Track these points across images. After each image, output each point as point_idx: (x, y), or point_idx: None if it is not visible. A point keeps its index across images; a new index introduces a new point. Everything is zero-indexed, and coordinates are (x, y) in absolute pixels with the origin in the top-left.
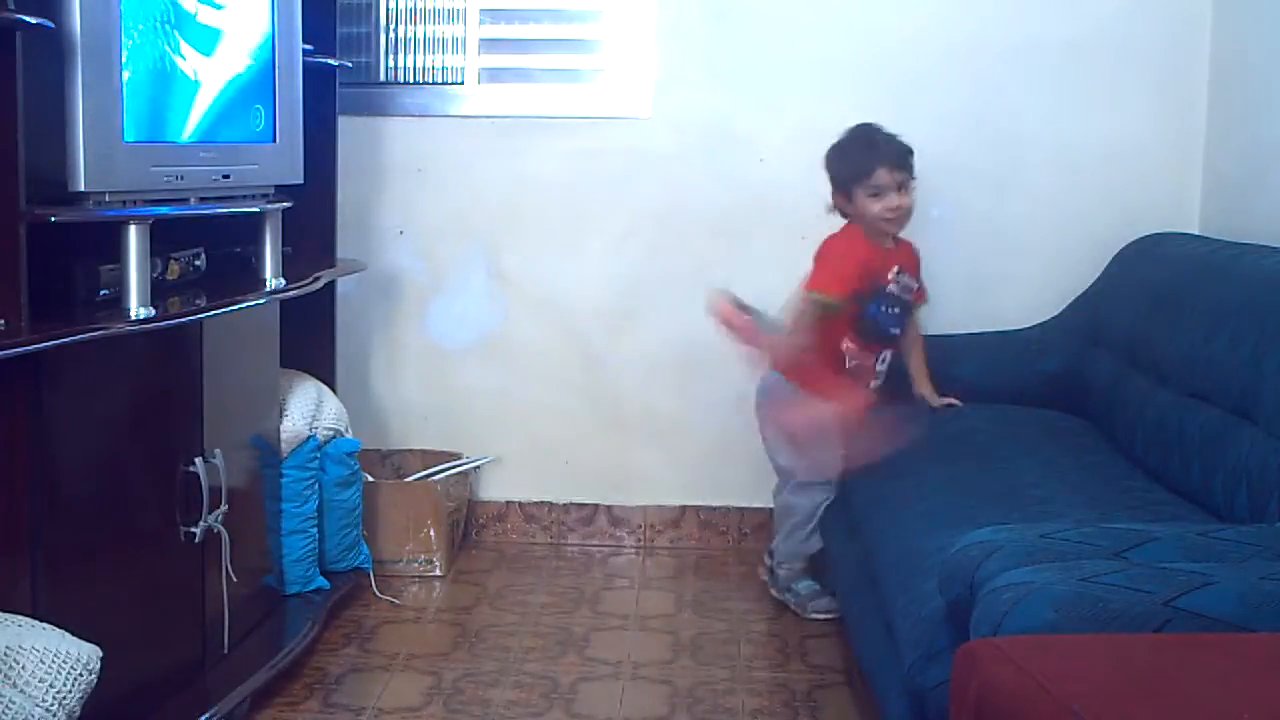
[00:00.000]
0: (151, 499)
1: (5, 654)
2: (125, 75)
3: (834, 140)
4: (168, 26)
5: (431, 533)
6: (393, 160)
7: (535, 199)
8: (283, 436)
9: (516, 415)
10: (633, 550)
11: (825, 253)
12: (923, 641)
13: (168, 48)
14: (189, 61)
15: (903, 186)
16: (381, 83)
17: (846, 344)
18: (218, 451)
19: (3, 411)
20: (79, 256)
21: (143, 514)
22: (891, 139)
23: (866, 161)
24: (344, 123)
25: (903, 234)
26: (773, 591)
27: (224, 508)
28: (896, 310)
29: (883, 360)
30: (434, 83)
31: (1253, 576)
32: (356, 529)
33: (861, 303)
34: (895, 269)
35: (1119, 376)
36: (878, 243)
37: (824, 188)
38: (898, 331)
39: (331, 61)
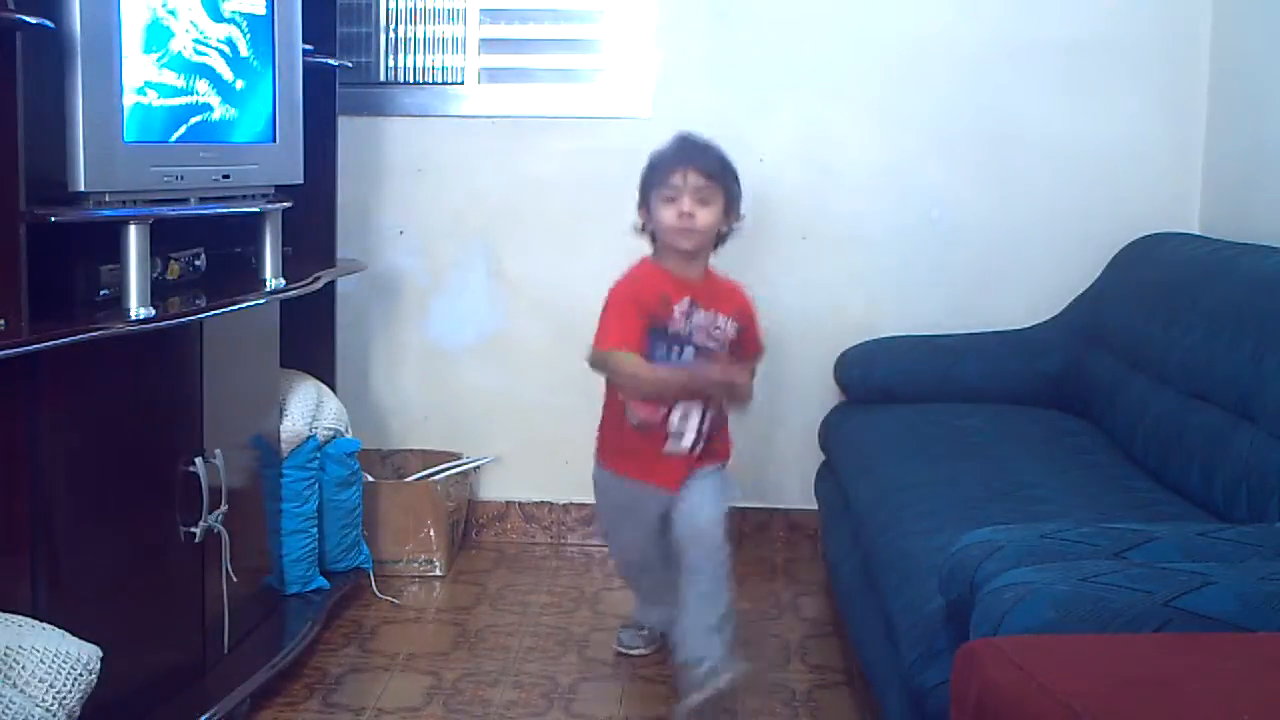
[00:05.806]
0: (151, 499)
1: (5, 654)
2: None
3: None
4: None
5: (431, 533)
6: (393, 160)
7: (535, 199)
8: (283, 436)
9: (516, 415)
10: None
11: (609, 299)
12: (923, 641)
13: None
14: None
15: (705, 200)
16: (381, 83)
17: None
18: (218, 451)
19: (3, 411)
20: (79, 256)
21: (143, 514)
22: (707, 148)
23: (668, 163)
24: (344, 123)
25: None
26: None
27: (224, 508)
28: (682, 353)
29: (683, 417)
30: (434, 83)
31: (1253, 576)
32: (356, 529)
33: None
34: (686, 300)
35: (1119, 376)
36: (670, 269)
37: (823, 187)
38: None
39: (331, 61)
